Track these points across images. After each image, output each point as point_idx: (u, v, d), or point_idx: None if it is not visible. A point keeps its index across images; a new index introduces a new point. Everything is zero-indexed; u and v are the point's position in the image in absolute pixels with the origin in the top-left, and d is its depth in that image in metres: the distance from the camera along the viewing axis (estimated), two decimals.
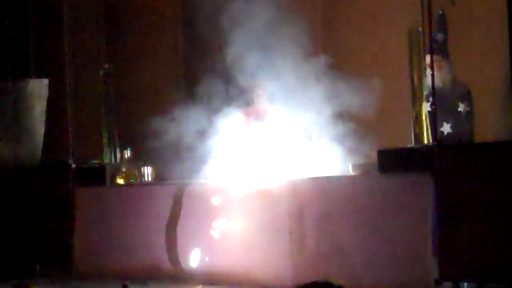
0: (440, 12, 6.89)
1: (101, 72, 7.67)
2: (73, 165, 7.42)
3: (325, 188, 6.18)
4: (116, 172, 7.35)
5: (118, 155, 7.49)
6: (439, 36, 6.86)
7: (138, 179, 7.35)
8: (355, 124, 6.75)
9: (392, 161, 5.99)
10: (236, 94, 7.26)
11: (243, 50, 7.12)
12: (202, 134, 7.04)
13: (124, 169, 7.37)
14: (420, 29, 6.12)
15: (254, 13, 7.14)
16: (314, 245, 6.11)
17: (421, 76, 6.08)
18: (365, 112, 6.81)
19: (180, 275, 6.70)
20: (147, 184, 7.35)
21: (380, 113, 6.89)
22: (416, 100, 6.08)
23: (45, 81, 8.09)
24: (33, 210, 7.44)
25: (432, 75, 6.07)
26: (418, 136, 6.05)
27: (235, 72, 7.09)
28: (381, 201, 5.92)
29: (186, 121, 7.18)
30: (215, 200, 6.53)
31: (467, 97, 6.86)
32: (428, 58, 6.26)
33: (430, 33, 6.12)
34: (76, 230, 7.30)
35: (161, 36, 8.59)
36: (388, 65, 7.16)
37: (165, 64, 8.57)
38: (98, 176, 7.31)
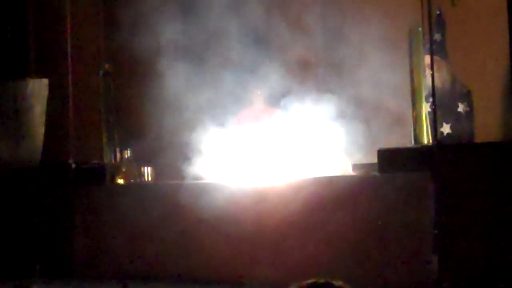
0: (438, 13, 6.89)
1: (101, 72, 7.67)
2: (73, 165, 7.41)
3: (325, 188, 6.18)
4: (116, 172, 7.34)
5: (118, 155, 7.49)
6: (437, 37, 6.87)
7: (138, 179, 7.36)
8: (355, 124, 6.76)
9: (392, 161, 5.99)
10: None
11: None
12: (203, 133, 7.06)
13: (124, 169, 7.37)
14: (420, 29, 6.13)
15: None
16: (314, 245, 6.12)
17: (421, 76, 6.09)
18: (365, 112, 6.83)
19: (179, 275, 6.70)
20: (147, 183, 7.35)
21: (380, 112, 6.90)
22: (416, 100, 6.08)
23: (45, 81, 8.08)
24: (33, 210, 7.44)
25: (432, 75, 6.07)
26: (418, 136, 6.05)
27: None
28: (381, 201, 5.93)
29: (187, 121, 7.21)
30: (216, 200, 6.52)
31: (467, 97, 6.87)
32: (427, 59, 6.26)
33: (430, 33, 6.12)
34: (76, 230, 7.30)
35: None
36: (388, 65, 7.16)
37: None
38: (98, 176, 7.31)
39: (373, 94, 6.99)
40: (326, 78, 7.43)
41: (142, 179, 7.36)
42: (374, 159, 6.16)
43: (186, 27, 7.74)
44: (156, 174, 7.44)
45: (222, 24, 7.42)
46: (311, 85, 7.29)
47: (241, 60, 7.45)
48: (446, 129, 6.77)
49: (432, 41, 6.23)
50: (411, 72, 6.12)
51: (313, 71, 7.75)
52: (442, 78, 6.72)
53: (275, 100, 7.48)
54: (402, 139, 6.26)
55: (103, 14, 8.65)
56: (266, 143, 7.01)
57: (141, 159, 7.48)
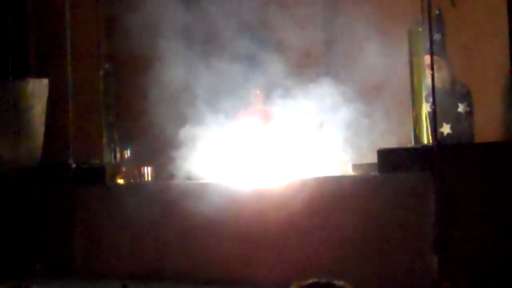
0: (437, 12, 6.89)
1: (101, 72, 7.68)
2: (73, 165, 7.41)
3: (325, 188, 6.19)
4: (116, 172, 7.35)
5: (118, 155, 7.49)
6: (437, 37, 6.87)
7: (138, 179, 7.36)
8: (355, 123, 6.76)
9: (392, 161, 5.99)
10: None
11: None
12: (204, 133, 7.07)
13: (124, 169, 7.37)
14: (420, 29, 6.13)
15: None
16: (315, 245, 6.12)
17: (421, 76, 6.09)
18: (364, 112, 6.83)
19: (179, 275, 6.70)
20: (147, 183, 7.35)
21: (379, 113, 6.90)
22: (416, 100, 6.08)
23: (45, 81, 8.09)
24: (33, 210, 7.44)
25: (432, 75, 6.07)
26: (418, 136, 6.05)
27: None
28: (381, 201, 5.93)
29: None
30: (217, 200, 6.52)
31: (467, 97, 6.87)
32: (427, 59, 6.26)
33: (430, 33, 6.12)
34: (76, 230, 7.30)
35: None
36: (388, 65, 7.17)
37: None
38: (98, 176, 7.31)
39: (373, 90, 7.01)
40: (325, 74, 7.43)
41: (142, 179, 7.36)
42: (374, 159, 6.17)
43: (187, 27, 7.74)
44: (156, 174, 7.44)
45: (223, 23, 7.42)
46: (309, 81, 7.28)
47: (243, 57, 7.45)
48: (446, 129, 6.77)
49: (432, 41, 6.23)
50: (411, 72, 6.12)
51: (311, 68, 7.74)
52: (442, 78, 6.71)
53: (275, 98, 7.49)
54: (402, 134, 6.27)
55: (103, 14, 8.65)
56: (266, 142, 7.01)
57: (141, 159, 7.49)
